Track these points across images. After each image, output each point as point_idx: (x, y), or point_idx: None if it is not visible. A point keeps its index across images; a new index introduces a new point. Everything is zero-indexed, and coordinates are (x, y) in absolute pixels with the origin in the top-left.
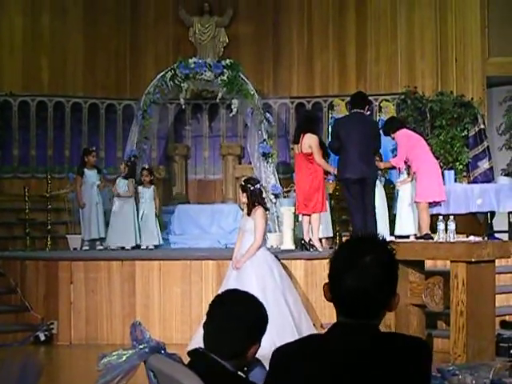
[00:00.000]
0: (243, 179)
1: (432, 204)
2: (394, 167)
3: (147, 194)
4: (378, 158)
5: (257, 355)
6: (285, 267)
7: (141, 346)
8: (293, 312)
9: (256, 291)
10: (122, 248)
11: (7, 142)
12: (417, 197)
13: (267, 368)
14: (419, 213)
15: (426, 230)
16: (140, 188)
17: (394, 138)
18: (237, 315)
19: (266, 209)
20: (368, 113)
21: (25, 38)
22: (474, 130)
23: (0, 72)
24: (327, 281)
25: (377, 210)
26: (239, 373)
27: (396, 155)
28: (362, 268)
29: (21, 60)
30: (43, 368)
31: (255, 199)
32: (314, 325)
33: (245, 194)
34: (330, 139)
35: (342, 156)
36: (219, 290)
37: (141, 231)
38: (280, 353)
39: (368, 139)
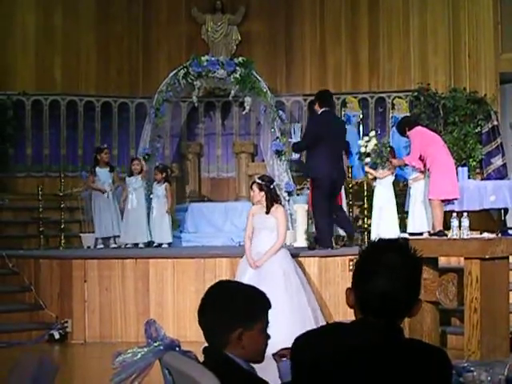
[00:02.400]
0: (257, 177)
1: (445, 202)
2: (406, 165)
3: (159, 191)
4: (390, 155)
5: (274, 350)
6: (299, 264)
7: (156, 344)
8: (311, 308)
9: (282, 288)
10: (136, 245)
11: (21, 141)
12: (430, 194)
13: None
14: (432, 210)
15: (439, 226)
16: (154, 184)
17: (408, 137)
18: (209, 306)
19: (283, 206)
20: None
21: (37, 37)
22: (488, 127)
23: (13, 71)
24: (349, 286)
25: (388, 209)
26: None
27: (409, 153)
28: (393, 269)
29: (33, 59)
30: (59, 366)
31: (274, 197)
32: (327, 323)
33: (262, 193)
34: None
35: (314, 155)
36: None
37: (153, 228)
38: (300, 342)
39: (340, 139)
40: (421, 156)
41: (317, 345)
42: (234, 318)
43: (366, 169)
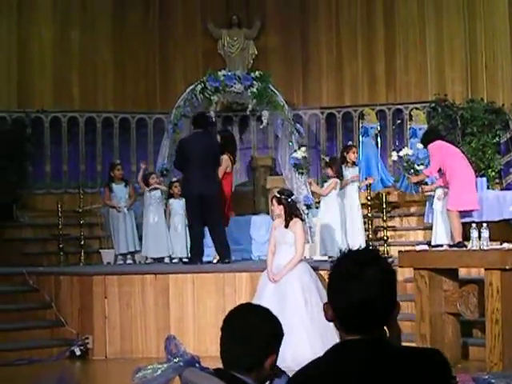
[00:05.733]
0: (277, 191)
1: (463, 213)
2: (427, 177)
3: (177, 206)
4: (331, 169)
5: (298, 363)
6: (319, 278)
7: (175, 360)
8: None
9: (300, 302)
10: (155, 259)
11: (39, 158)
12: (448, 205)
13: None
14: (450, 221)
15: (458, 238)
16: (171, 200)
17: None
18: (252, 327)
19: (303, 220)
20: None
21: (55, 54)
22: (506, 137)
23: (31, 89)
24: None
25: (333, 222)
26: None
27: (428, 166)
28: (367, 278)
29: (51, 76)
30: (80, 383)
31: (293, 211)
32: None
33: (281, 207)
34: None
35: (185, 174)
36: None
37: (176, 243)
38: (298, 379)
39: (209, 157)
40: (440, 169)
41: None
42: (269, 342)
43: (312, 188)
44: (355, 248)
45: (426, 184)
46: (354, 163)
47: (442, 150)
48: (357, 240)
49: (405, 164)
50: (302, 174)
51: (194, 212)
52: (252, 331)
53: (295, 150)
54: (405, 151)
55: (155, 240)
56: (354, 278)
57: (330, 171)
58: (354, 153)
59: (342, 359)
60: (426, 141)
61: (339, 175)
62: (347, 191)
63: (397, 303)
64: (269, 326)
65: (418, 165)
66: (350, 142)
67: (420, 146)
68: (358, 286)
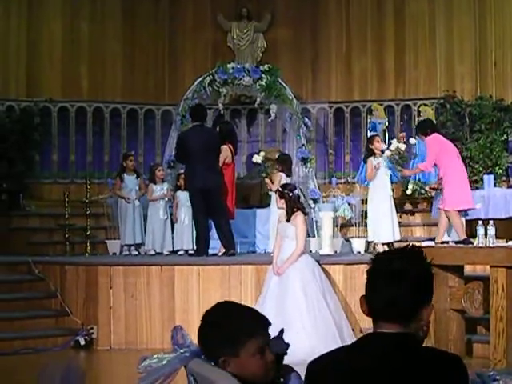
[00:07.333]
0: (280, 185)
1: (461, 212)
2: (422, 171)
3: (184, 198)
4: (279, 166)
5: (296, 357)
6: (324, 272)
7: (182, 350)
8: (334, 317)
9: (300, 296)
10: (159, 253)
11: (47, 148)
12: (446, 205)
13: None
14: (451, 220)
15: (463, 235)
16: (178, 193)
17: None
18: (211, 334)
19: (305, 213)
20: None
21: (64, 44)
22: None
23: (40, 78)
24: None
25: None
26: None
27: (424, 160)
28: (397, 276)
29: (60, 66)
30: (85, 373)
31: (294, 205)
32: (353, 330)
33: (283, 201)
34: (175, 151)
35: (188, 167)
36: (260, 296)
37: (178, 235)
38: (313, 367)
39: (210, 149)
40: (435, 164)
41: (332, 370)
42: (215, 347)
43: (267, 180)
44: (393, 245)
45: (425, 183)
46: (382, 152)
47: (439, 144)
48: (384, 232)
49: (397, 157)
50: (262, 176)
51: (198, 205)
52: (213, 339)
53: (303, 145)
54: (395, 145)
55: (160, 235)
56: (391, 275)
57: (279, 168)
58: (378, 141)
59: (360, 350)
60: (422, 129)
61: (287, 172)
62: (376, 183)
63: (431, 305)
64: (248, 329)
65: (411, 158)
66: (373, 133)
67: (413, 141)
68: (393, 282)
